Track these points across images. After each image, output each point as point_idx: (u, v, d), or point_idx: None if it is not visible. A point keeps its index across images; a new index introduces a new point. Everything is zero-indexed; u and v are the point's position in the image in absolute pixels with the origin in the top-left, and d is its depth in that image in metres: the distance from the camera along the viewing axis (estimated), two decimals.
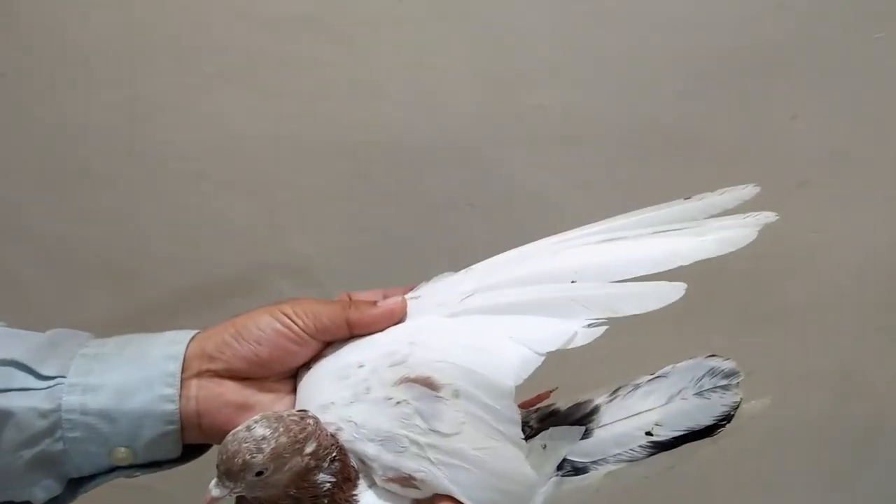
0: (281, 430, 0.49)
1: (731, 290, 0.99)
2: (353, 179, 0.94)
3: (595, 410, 0.54)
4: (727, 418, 0.52)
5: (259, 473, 0.48)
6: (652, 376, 0.54)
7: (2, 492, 0.55)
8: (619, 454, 0.52)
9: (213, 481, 0.49)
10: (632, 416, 0.53)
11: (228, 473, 0.48)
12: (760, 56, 0.86)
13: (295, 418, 0.50)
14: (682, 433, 0.52)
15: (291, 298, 0.57)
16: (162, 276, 0.99)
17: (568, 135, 0.91)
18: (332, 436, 0.51)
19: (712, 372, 0.52)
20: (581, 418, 0.54)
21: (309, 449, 0.50)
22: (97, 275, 1.00)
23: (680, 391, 0.53)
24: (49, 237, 1.00)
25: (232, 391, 0.56)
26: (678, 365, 0.53)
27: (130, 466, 0.56)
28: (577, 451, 0.53)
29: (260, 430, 0.49)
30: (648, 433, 0.52)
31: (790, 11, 0.84)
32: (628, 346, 1.03)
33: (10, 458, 0.54)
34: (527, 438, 0.51)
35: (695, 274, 0.98)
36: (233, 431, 0.49)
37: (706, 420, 0.51)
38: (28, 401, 0.53)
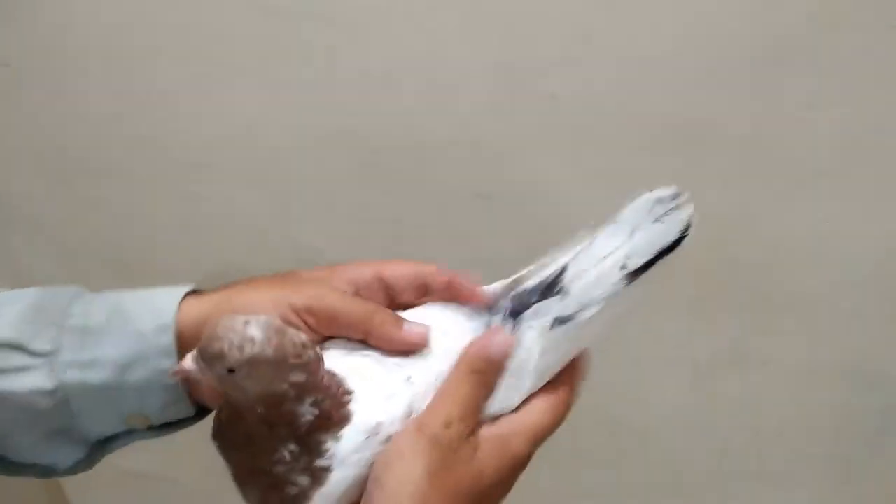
0: (274, 342, 0.46)
1: (743, 280, 0.98)
2: (363, 171, 0.94)
3: (564, 269, 0.55)
4: (686, 229, 0.55)
5: (230, 371, 0.45)
6: (605, 225, 0.56)
7: (28, 457, 0.55)
8: (599, 294, 0.54)
9: (191, 354, 0.47)
10: (602, 259, 0.55)
11: (203, 355, 0.46)
12: (775, 45, 0.85)
13: (297, 341, 0.47)
14: (652, 256, 0.54)
15: (311, 285, 0.53)
16: (170, 266, 0.99)
17: (579, 124, 0.90)
18: (334, 377, 0.49)
19: (660, 200, 0.56)
20: (553, 283, 0.54)
21: (294, 378, 0.46)
22: (105, 265, 1.00)
23: (638, 225, 0.55)
24: (58, 228, 1.00)
25: None
26: (625, 209, 0.56)
27: (148, 429, 0.55)
28: (560, 308, 0.54)
29: (252, 331, 0.46)
30: (623, 267, 0.54)
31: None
32: (640, 335, 1.03)
33: (25, 435, 0.53)
34: (514, 323, 0.53)
35: (707, 264, 0.98)
36: (230, 315, 0.46)
37: (671, 237, 0.55)
38: (29, 380, 0.52)
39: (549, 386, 0.52)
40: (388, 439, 0.48)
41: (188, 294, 0.54)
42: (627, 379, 1.05)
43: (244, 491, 0.49)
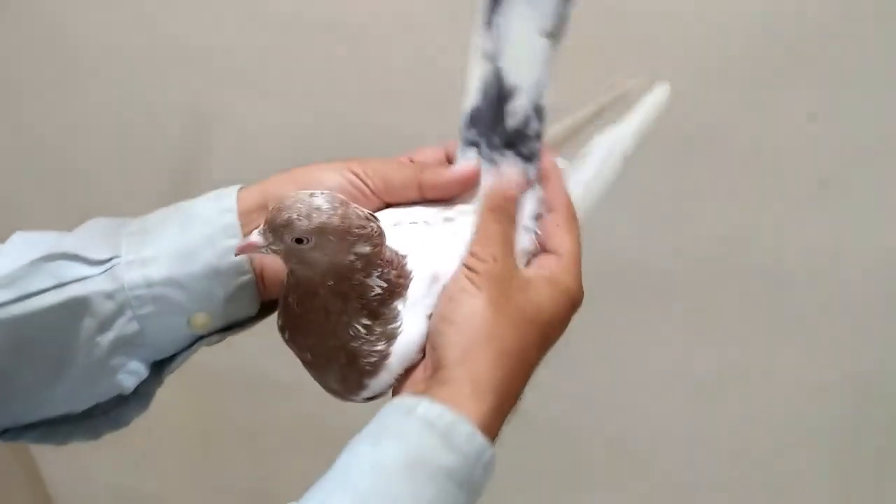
0: (339, 212, 0.47)
1: (745, 295, 0.98)
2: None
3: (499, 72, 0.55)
4: None
5: (298, 241, 0.46)
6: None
7: (91, 390, 0.53)
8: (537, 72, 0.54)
9: (257, 229, 0.47)
10: (521, 35, 0.54)
11: (271, 226, 0.46)
12: (779, 54, 0.85)
13: (360, 214, 0.48)
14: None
15: (357, 158, 0.55)
16: None
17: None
18: (396, 253, 0.50)
19: None
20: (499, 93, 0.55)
21: (360, 249, 0.47)
22: None
23: None
24: None
25: None
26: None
27: (211, 334, 0.54)
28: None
29: (319, 201, 0.46)
30: (542, 33, 0.54)
31: (810, 9, 0.83)
32: (641, 351, 1.02)
33: (88, 348, 0.51)
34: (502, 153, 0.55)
35: (708, 277, 0.97)
36: (296, 191, 0.47)
37: None
38: (89, 287, 0.50)
39: (549, 216, 0.54)
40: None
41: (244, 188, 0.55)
42: (628, 396, 1.04)
43: (321, 374, 0.50)
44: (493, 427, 0.46)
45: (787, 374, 1.01)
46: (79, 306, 0.50)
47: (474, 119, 0.55)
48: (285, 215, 0.46)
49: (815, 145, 0.89)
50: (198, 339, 0.54)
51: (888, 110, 0.87)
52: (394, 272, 0.49)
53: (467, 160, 0.54)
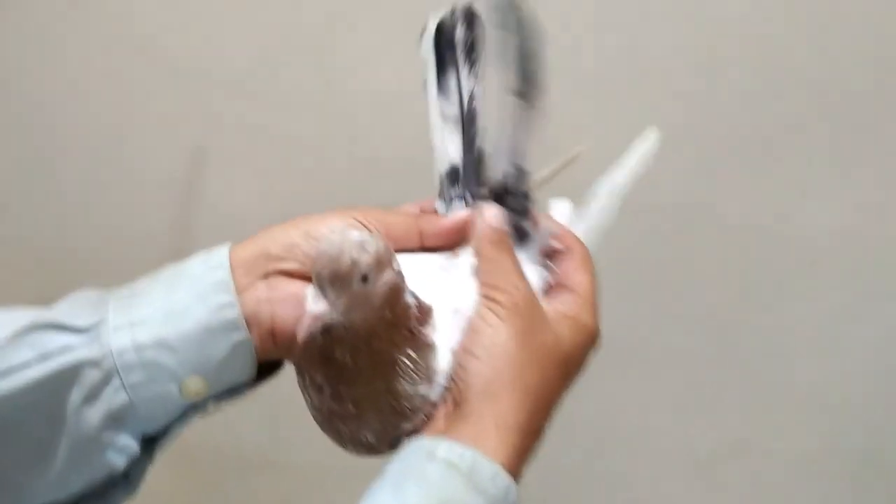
0: (376, 235, 0.46)
1: (744, 370, 0.98)
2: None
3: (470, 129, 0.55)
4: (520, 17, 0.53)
5: (364, 279, 0.44)
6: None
7: (78, 473, 0.50)
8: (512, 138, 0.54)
9: (311, 294, 0.44)
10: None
11: (334, 278, 0.44)
12: (769, 133, 0.87)
13: (373, 230, 0.47)
14: (518, 63, 0.53)
15: (358, 206, 0.53)
16: None
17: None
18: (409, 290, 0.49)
19: (496, 7, 0.53)
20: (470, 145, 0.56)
21: (397, 266, 0.46)
22: None
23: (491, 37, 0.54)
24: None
25: (304, 289, 0.49)
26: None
27: (205, 401, 0.51)
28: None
29: (356, 234, 0.45)
30: (511, 92, 0.53)
31: (801, 87, 0.85)
32: (640, 427, 1.00)
33: (75, 424, 0.48)
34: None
35: (707, 354, 0.97)
36: (323, 237, 0.46)
37: (517, 33, 0.53)
38: (74, 355, 0.47)
39: (559, 254, 0.54)
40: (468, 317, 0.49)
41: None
42: (628, 474, 1.03)
43: (358, 426, 0.48)
44: (516, 466, 0.45)
45: (786, 450, 1.01)
46: (64, 378, 0.47)
47: (452, 177, 0.55)
48: (346, 258, 0.44)
49: (807, 224, 0.90)
50: (191, 409, 0.51)
51: (879, 189, 0.88)
52: (414, 296, 0.48)
53: (460, 210, 0.54)
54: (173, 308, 0.49)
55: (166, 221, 0.99)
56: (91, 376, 0.48)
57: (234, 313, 0.49)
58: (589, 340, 0.51)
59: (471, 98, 0.55)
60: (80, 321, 0.48)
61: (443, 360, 0.48)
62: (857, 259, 0.91)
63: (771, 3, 0.87)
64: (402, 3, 0.80)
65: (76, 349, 0.48)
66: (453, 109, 0.55)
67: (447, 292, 0.50)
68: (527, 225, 0.54)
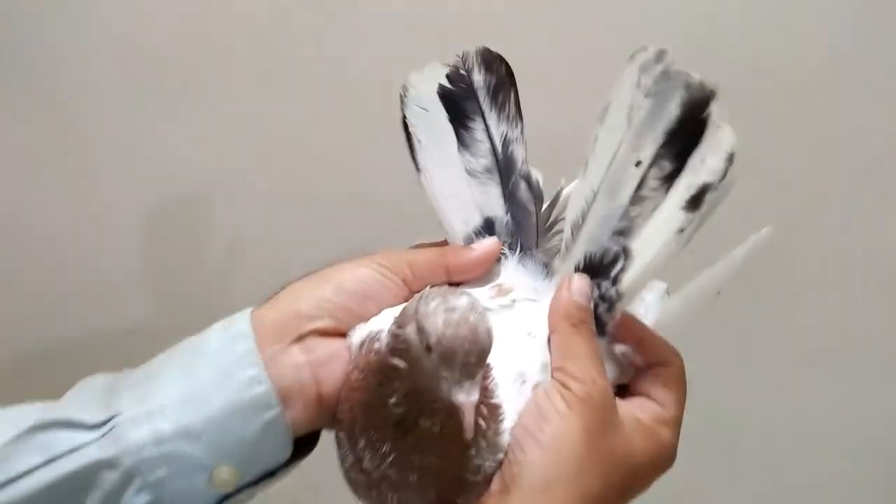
0: (465, 292, 0.41)
1: (741, 468, 0.98)
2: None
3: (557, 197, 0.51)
4: (695, 102, 0.45)
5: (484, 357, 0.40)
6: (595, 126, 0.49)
7: None
8: (632, 208, 0.47)
9: (461, 388, 0.39)
10: (610, 163, 0.47)
11: (482, 358, 0.39)
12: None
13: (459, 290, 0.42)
14: (664, 141, 0.46)
15: (382, 250, 0.50)
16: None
17: None
18: None
19: (643, 68, 0.46)
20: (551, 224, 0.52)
21: None
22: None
23: (631, 107, 0.47)
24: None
25: (345, 348, 0.46)
26: (611, 91, 0.48)
27: (239, 490, 0.45)
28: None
29: (463, 299, 0.40)
30: (637, 163, 0.47)
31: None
32: None
33: None
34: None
35: (702, 451, 0.95)
36: (441, 307, 0.39)
37: (674, 111, 0.46)
38: (86, 457, 0.42)
39: (657, 369, 0.49)
40: (535, 388, 0.45)
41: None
42: None
43: (414, 494, 0.44)
44: None
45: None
46: (77, 483, 0.42)
47: (488, 231, 0.51)
48: (483, 333, 0.39)
49: (801, 321, 0.91)
50: (223, 499, 0.45)
51: (868, 286, 0.91)
52: None
53: (486, 239, 0.51)
54: (194, 391, 0.44)
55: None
56: (108, 479, 0.42)
57: (263, 389, 0.44)
58: (664, 459, 0.46)
59: (505, 143, 0.51)
60: (91, 415, 0.43)
61: (506, 429, 0.44)
62: (849, 354, 0.93)
63: None
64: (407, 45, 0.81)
65: (88, 449, 0.42)
66: (483, 161, 0.52)
67: (508, 349, 0.45)
68: (606, 318, 0.48)
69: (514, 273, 0.51)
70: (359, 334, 0.47)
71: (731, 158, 0.45)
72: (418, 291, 0.47)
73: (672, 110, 0.46)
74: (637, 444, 0.45)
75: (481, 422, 0.42)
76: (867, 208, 0.90)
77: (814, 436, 0.96)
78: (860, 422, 0.95)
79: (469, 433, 0.39)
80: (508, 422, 0.44)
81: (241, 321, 0.46)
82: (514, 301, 0.49)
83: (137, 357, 0.47)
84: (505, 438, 0.43)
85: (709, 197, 0.45)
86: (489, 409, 0.43)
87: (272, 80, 0.90)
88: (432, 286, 0.46)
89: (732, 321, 0.91)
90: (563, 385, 0.44)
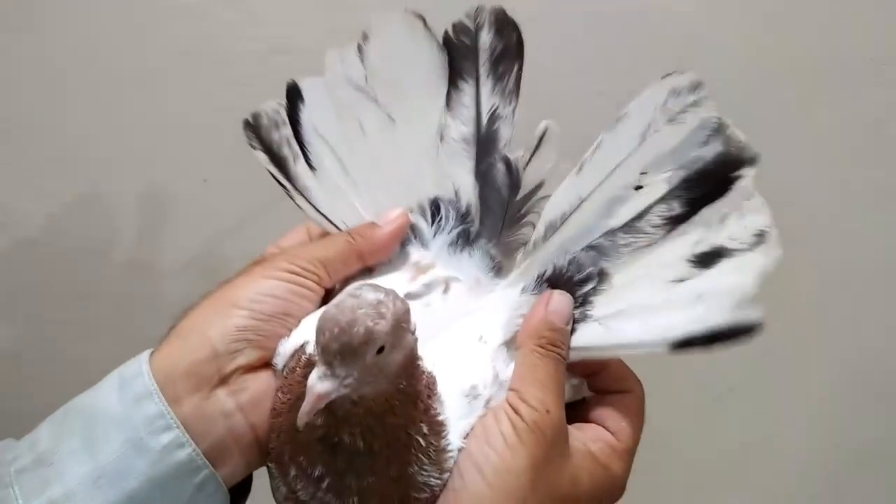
0: (392, 293, 0.37)
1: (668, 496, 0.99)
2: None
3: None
4: (733, 160, 0.42)
5: (380, 350, 0.36)
6: (609, 126, 0.44)
7: None
8: (622, 234, 0.43)
9: (317, 373, 0.35)
10: (608, 175, 0.43)
11: (345, 353, 0.35)
12: None
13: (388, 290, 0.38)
14: (684, 182, 0.42)
15: (278, 252, 0.46)
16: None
17: None
18: None
19: (674, 92, 0.43)
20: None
21: (412, 326, 0.38)
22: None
23: (648, 126, 0.43)
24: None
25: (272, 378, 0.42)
26: (632, 103, 0.44)
27: None
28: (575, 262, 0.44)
29: (372, 294, 0.36)
30: (638, 187, 0.43)
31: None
32: None
33: None
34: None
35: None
36: (334, 303, 0.37)
37: (706, 157, 0.42)
38: None
39: (615, 397, 0.46)
40: (486, 404, 0.42)
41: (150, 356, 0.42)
42: None
43: None
44: None
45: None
46: None
47: (441, 209, 0.48)
48: (359, 329, 0.35)
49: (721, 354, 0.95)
50: None
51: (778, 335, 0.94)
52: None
53: (390, 211, 0.47)
54: (105, 467, 0.37)
55: None
56: None
57: (185, 453, 0.38)
58: (613, 492, 0.44)
59: (493, 118, 0.47)
60: None
61: (453, 447, 0.41)
62: (765, 386, 0.94)
63: None
64: None
65: None
66: (463, 129, 0.47)
67: (459, 357, 0.43)
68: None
69: (450, 256, 0.47)
70: (282, 354, 0.42)
71: (761, 235, 0.42)
72: (335, 287, 0.46)
73: (704, 156, 0.42)
74: (584, 479, 0.42)
75: (420, 439, 0.39)
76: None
77: (735, 468, 0.98)
78: (782, 451, 0.98)
79: (300, 422, 0.36)
80: (455, 438, 0.40)
81: (139, 375, 0.39)
82: (444, 284, 0.46)
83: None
84: (451, 457, 0.40)
85: (723, 263, 0.42)
86: (430, 426, 0.40)
87: None
88: (346, 279, 0.45)
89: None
90: (516, 411, 0.41)
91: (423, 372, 0.40)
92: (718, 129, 0.42)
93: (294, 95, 0.48)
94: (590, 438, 0.43)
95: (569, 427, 0.43)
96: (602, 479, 0.43)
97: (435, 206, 0.48)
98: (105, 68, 0.87)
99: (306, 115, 0.48)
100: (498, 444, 0.40)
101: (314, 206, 0.48)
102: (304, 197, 0.48)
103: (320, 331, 0.36)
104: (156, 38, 0.88)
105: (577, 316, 0.44)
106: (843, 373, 0.94)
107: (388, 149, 0.48)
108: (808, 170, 0.89)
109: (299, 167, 0.48)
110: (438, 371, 0.41)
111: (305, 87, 0.49)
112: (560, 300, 0.44)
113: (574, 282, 0.45)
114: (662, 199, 0.43)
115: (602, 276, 0.44)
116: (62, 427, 0.39)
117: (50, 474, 0.37)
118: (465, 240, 0.48)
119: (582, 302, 0.44)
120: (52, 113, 0.89)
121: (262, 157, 0.48)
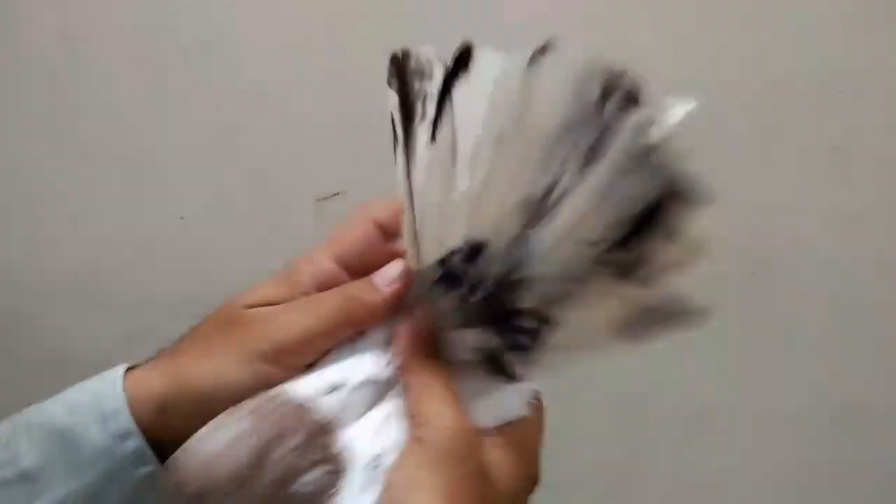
0: (255, 411, 0.37)
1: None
2: None
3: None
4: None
5: (240, 485, 0.35)
6: None
7: None
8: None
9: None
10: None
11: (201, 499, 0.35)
12: None
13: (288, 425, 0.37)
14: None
15: (268, 320, 0.41)
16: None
17: None
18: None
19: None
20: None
21: (296, 439, 0.37)
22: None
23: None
24: None
25: None
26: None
27: None
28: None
29: (226, 430, 0.36)
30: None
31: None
32: None
33: None
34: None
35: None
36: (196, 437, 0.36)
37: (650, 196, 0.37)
38: None
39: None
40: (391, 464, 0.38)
41: (125, 372, 0.42)
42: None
43: None
44: None
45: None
46: None
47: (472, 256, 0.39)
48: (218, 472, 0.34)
49: (690, 379, 0.94)
50: None
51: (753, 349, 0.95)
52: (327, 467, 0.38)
53: (386, 269, 0.42)
54: (88, 489, 0.40)
55: None
56: None
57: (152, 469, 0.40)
58: (530, 490, 0.41)
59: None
60: None
61: None
62: (735, 411, 0.96)
63: None
64: None
65: None
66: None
67: (370, 432, 0.39)
68: (510, 363, 0.40)
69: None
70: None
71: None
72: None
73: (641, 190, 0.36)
74: (501, 480, 0.39)
75: None
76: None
77: (711, 488, 0.99)
78: (758, 470, 0.98)
79: None
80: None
81: (119, 412, 0.40)
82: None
83: None
84: None
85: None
86: None
87: None
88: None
89: (623, 379, 0.94)
90: (419, 442, 0.37)
91: (316, 479, 0.37)
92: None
93: (461, 60, 0.39)
94: (502, 438, 0.40)
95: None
96: (522, 483, 0.40)
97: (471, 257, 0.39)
98: (82, 106, 0.89)
99: (462, 89, 0.39)
100: (411, 487, 0.36)
101: (408, 176, 0.40)
102: (407, 160, 0.40)
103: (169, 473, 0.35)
104: (134, 76, 0.89)
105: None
106: (816, 392, 0.95)
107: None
108: (774, 193, 0.91)
109: (421, 130, 0.40)
110: (356, 454, 0.38)
111: (480, 59, 0.40)
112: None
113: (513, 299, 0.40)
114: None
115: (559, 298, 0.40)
116: (46, 448, 0.40)
117: (34, 490, 0.39)
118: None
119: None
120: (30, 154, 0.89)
121: (392, 96, 0.41)
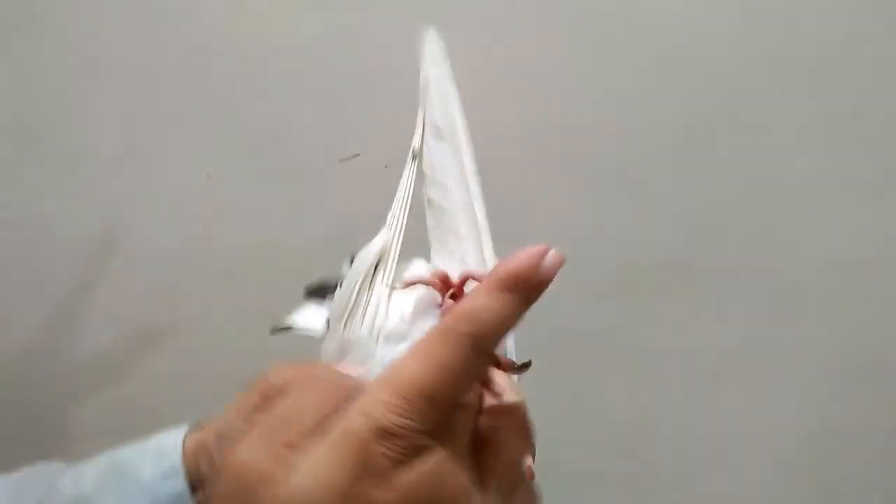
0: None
1: (655, 484, 0.99)
2: None
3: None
4: None
5: None
6: None
7: None
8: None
9: None
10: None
11: None
12: (661, 264, 0.92)
13: None
14: None
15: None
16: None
17: None
18: None
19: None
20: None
21: None
22: None
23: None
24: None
25: None
26: None
27: None
28: None
29: None
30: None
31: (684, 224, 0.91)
32: None
33: None
34: None
35: (616, 470, 0.93)
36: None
37: None
38: None
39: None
40: None
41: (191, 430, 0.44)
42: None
43: None
44: None
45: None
46: None
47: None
48: None
49: (704, 341, 0.94)
50: None
51: (765, 307, 0.94)
52: None
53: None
54: None
55: None
56: None
57: None
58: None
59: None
60: None
61: None
62: (750, 371, 0.94)
63: None
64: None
65: None
66: None
67: None
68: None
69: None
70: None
71: None
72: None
73: None
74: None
75: None
76: (776, 223, 0.94)
77: (724, 447, 0.99)
78: (770, 432, 0.98)
79: None
80: None
81: (173, 451, 0.42)
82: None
83: None
84: None
85: None
86: None
87: None
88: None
89: (636, 334, 0.94)
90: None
91: None
92: None
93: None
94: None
95: None
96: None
97: None
98: (109, 68, 0.89)
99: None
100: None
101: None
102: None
103: None
104: (158, 37, 0.90)
105: None
106: (830, 358, 0.95)
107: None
108: (791, 160, 0.91)
109: None
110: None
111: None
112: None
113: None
114: None
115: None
116: (104, 476, 0.43)
117: None
118: None
119: None
120: (62, 112, 0.91)
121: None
